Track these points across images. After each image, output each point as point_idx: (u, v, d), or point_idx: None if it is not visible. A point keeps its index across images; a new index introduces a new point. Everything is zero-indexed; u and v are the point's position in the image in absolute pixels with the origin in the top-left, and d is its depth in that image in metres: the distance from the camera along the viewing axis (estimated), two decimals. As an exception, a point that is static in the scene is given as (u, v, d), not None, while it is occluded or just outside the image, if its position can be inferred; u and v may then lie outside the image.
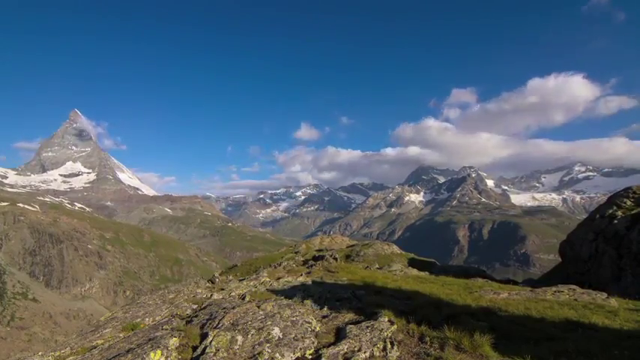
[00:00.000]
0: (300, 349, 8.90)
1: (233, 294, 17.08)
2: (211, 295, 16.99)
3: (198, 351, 9.13)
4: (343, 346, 8.72)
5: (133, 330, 11.87)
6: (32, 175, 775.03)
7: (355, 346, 8.69)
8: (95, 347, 10.54)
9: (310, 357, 8.74)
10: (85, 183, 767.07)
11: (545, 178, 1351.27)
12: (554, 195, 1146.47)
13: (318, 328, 10.44)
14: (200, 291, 18.80)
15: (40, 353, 11.21)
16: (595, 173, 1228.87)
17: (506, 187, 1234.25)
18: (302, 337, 9.43)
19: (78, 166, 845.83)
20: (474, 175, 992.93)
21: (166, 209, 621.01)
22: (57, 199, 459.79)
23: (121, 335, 11.51)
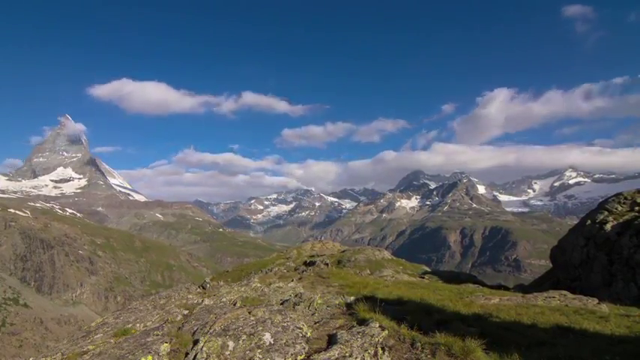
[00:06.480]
0: (292, 354, 8.86)
1: (224, 299, 16.97)
2: (202, 300, 16.89)
3: (190, 357, 9.09)
4: (334, 352, 8.68)
5: (124, 335, 11.78)
6: (23, 181, 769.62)
7: (346, 352, 8.65)
8: (86, 353, 10.44)
9: (301, 363, 8.72)
10: (76, 188, 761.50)
11: (536, 183, 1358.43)
12: (545, 200, 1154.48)
13: (309, 334, 10.42)
14: (191, 296, 18.67)
15: (31, 359, 11.12)
16: (586, 179, 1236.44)
17: (497, 193, 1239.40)
18: (293, 343, 9.39)
19: (69, 172, 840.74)
20: (465, 181, 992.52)
21: (157, 215, 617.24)
22: (48, 205, 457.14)
23: (112, 341, 11.41)
